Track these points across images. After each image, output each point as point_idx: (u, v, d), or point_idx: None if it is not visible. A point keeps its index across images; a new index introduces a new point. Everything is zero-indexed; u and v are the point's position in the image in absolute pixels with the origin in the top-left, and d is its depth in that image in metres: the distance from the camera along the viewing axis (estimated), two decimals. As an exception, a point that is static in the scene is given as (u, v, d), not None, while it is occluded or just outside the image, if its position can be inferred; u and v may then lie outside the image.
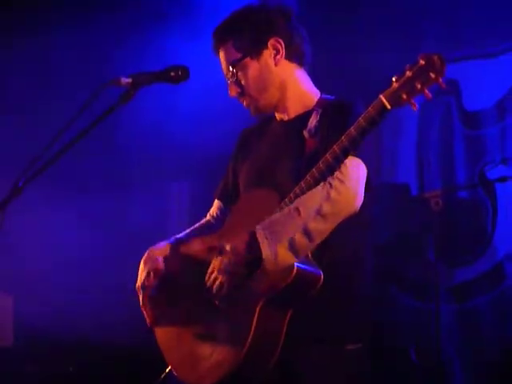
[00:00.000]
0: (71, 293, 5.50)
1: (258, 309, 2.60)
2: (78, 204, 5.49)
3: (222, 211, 3.13)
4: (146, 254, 3.01)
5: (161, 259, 2.96)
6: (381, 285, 5.12)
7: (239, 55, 2.89)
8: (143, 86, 2.84)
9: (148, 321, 2.95)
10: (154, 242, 3.08)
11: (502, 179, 4.82)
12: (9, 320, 5.52)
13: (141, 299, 2.95)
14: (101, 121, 2.73)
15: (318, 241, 2.60)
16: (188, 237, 3.07)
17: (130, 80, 2.82)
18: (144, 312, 2.95)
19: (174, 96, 5.10)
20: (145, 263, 2.98)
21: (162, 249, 3.01)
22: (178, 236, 3.08)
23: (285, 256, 2.56)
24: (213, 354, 2.72)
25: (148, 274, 2.95)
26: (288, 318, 2.62)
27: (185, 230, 3.16)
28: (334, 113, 2.78)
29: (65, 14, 5.63)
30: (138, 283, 2.98)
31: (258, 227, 2.61)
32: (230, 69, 2.91)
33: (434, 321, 4.57)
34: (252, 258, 2.60)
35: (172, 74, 2.89)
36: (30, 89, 5.68)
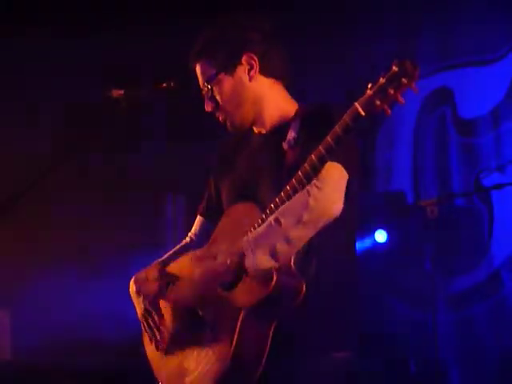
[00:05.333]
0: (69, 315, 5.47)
1: (240, 319, 2.60)
2: (73, 211, 5.50)
3: (205, 228, 3.12)
4: (132, 285, 3.00)
5: (151, 283, 2.97)
6: (377, 294, 5.11)
7: (214, 71, 2.91)
8: (136, 97, 2.83)
9: (162, 346, 2.92)
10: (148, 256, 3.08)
11: (498, 186, 4.82)
12: (6, 335, 5.51)
13: (147, 327, 2.95)
14: (97, 134, 2.72)
15: (298, 246, 2.61)
16: (170, 258, 3.07)
17: (122, 91, 2.81)
18: (153, 339, 2.93)
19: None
20: (138, 293, 2.98)
21: (147, 272, 3.01)
22: (160, 259, 3.08)
23: (263, 260, 2.56)
24: (198, 367, 2.72)
25: (144, 300, 2.95)
26: (273, 327, 2.61)
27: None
28: (313, 121, 2.78)
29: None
30: (140, 313, 2.97)
31: (243, 241, 2.61)
32: (206, 84, 2.92)
33: (432, 330, 4.55)
34: (235, 267, 2.60)
35: (164, 84, 2.88)
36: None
